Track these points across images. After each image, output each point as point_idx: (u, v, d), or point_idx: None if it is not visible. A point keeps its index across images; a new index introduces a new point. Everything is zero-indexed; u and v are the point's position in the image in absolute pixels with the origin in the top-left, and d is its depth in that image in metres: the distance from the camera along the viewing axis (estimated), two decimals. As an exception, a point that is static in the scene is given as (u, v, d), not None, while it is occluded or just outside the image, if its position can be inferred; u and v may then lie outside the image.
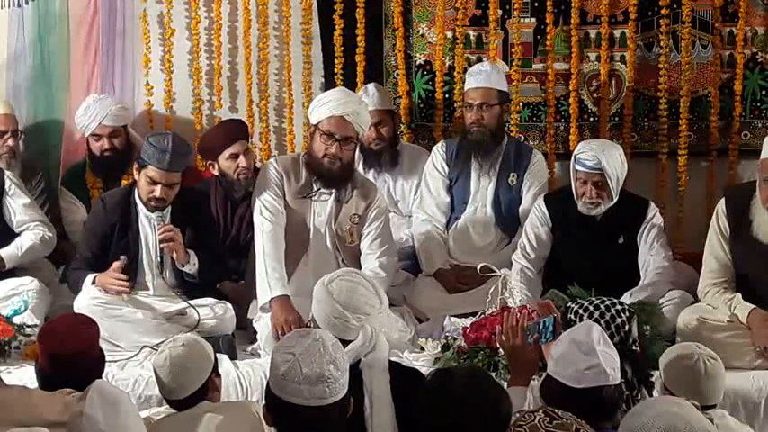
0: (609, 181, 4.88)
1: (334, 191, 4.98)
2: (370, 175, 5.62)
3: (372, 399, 3.22)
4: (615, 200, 4.96)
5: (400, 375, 3.41)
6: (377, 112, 5.57)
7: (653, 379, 3.74)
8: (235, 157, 5.36)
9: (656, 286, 4.91)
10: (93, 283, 4.87)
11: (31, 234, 5.19)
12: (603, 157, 4.87)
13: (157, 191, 4.86)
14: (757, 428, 4.34)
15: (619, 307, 3.77)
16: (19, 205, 5.22)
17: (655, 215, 5.08)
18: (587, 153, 4.91)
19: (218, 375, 3.70)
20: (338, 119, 4.86)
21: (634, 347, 3.74)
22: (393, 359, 4.32)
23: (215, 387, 3.63)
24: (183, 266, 4.92)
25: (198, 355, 3.61)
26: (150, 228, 4.96)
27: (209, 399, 3.56)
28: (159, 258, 4.93)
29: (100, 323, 3.78)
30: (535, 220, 5.14)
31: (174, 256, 4.89)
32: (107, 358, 3.77)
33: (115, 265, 4.86)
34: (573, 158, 5.02)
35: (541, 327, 3.72)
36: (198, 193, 5.26)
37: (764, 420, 4.41)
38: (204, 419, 3.39)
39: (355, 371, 3.23)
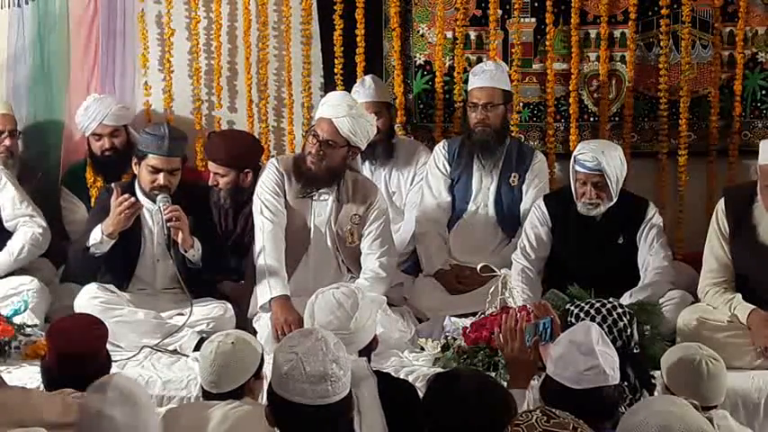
0: (608, 182, 4.88)
1: (333, 191, 4.99)
2: (366, 168, 5.63)
3: (361, 406, 3.20)
4: (615, 200, 4.96)
5: (391, 386, 3.40)
6: (373, 104, 5.58)
7: (654, 380, 3.75)
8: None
9: (656, 286, 4.91)
10: (104, 233, 4.83)
11: (21, 235, 5.18)
12: (603, 158, 4.87)
13: (160, 178, 4.89)
14: (757, 428, 4.33)
15: (620, 310, 3.78)
16: (8, 198, 5.22)
17: (654, 215, 5.08)
18: (587, 154, 4.91)
19: (260, 378, 3.64)
20: (326, 121, 4.90)
21: (635, 350, 3.75)
22: (387, 366, 4.39)
23: (252, 390, 3.59)
24: (186, 252, 4.91)
25: (243, 356, 3.58)
26: (153, 221, 4.96)
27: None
28: (166, 237, 4.88)
29: (100, 323, 3.79)
30: (535, 220, 5.14)
31: (179, 238, 4.85)
32: (107, 358, 3.77)
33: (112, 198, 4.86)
34: (573, 159, 5.02)
35: (540, 328, 3.72)
36: (200, 188, 5.31)
37: (764, 420, 4.40)
38: (220, 411, 3.38)
39: None
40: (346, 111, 4.89)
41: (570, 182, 5.04)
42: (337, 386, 2.83)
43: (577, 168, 4.96)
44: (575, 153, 5.02)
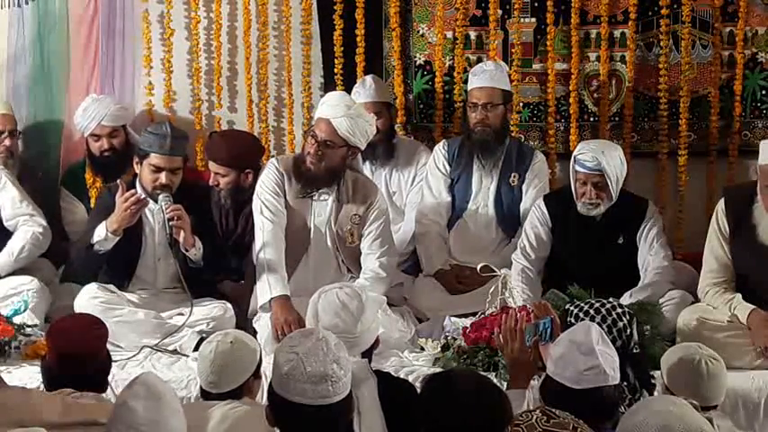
0: (609, 182, 4.88)
1: (333, 191, 4.99)
2: (367, 168, 5.63)
3: (360, 407, 3.20)
4: (615, 200, 4.96)
5: (391, 386, 3.41)
6: (373, 104, 5.58)
7: (654, 381, 3.75)
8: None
9: (656, 286, 4.91)
10: (109, 230, 4.81)
11: (21, 234, 5.17)
12: (603, 158, 4.87)
13: (162, 177, 4.89)
14: (757, 428, 4.34)
15: (619, 310, 3.77)
16: (8, 198, 5.21)
17: (654, 215, 5.08)
18: (587, 154, 4.91)
19: (259, 377, 3.65)
20: (325, 121, 4.90)
21: (635, 350, 3.75)
22: (387, 366, 4.39)
23: (250, 390, 3.59)
24: (188, 251, 4.90)
25: (242, 356, 3.58)
26: (154, 221, 4.96)
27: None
28: (168, 236, 4.87)
29: (100, 323, 3.79)
30: (535, 220, 5.14)
31: (181, 237, 4.84)
32: (107, 358, 3.77)
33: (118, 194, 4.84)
34: (573, 159, 5.02)
35: (540, 328, 3.72)
36: (201, 188, 5.31)
37: (764, 420, 4.40)
38: (219, 411, 3.39)
39: None
40: (344, 111, 4.89)
41: (570, 182, 5.04)
42: (338, 386, 2.83)
43: (577, 168, 4.96)
44: (575, 153, 5.02)
